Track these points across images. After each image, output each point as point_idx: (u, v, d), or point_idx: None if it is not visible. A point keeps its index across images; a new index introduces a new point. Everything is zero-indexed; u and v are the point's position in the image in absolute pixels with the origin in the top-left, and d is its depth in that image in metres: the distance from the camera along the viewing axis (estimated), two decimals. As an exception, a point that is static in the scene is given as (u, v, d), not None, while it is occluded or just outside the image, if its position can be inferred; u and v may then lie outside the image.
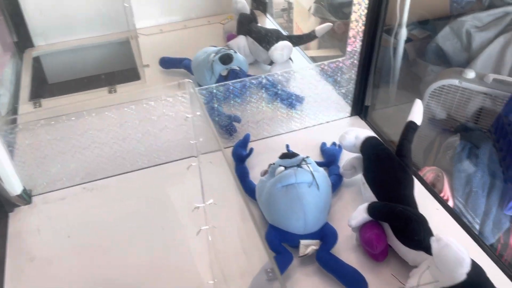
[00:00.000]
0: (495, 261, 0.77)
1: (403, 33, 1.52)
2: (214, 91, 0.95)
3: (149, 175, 0.98)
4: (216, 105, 0.97)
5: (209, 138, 0.89)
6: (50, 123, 0.87)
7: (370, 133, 0.90)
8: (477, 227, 1.18)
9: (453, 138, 1.28)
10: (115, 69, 1.44)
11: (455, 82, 1.35)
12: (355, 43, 0.99)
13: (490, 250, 0.79)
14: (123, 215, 0.89)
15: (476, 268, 0.64)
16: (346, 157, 0.95)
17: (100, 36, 1.48)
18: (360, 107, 1.10)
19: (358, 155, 0.89)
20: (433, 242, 0.64)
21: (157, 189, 0.93)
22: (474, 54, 1.53)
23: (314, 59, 1.46)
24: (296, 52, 1.37)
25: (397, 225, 0.73)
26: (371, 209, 0.76)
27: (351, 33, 0.97)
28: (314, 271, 0.77)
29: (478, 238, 0.82)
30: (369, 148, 0.87)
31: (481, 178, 1.18)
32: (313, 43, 1.88)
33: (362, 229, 0.77)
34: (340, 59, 1.02)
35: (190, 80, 0.62)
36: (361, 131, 0.90)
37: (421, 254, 0.70)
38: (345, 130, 0.91)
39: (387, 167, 0.82)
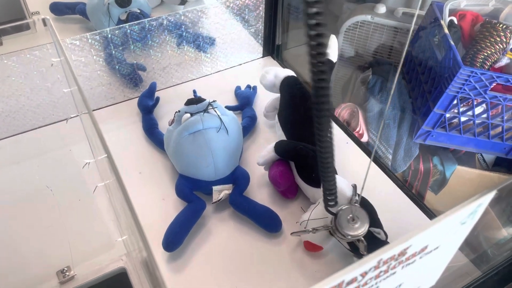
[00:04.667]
0: (400, 187, 0.81)
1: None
2: (110, 35, 0.86)
3: (47, 134, 0.89)
4: (114, 52, 0.89)
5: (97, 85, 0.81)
6: None
7: (290, 72, 0.87)
8: (390, 156, 1.24)
9: (366, 74, 1.31)
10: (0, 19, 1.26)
11: (368, 17, 1.35)
12: (259, -24, 0.93)
13: (395, 177, 0.83)
14: (17, 180, 0.81)
15: (362, 201, 0.65)
16: (261, 100, 0.93)
17: (-22, -18, 1.28)
18: (271, 47, 1.07)
19: (279, 95, 0.87)
20: None
21: (54, 149, 0.85)
22: (386, -11, 1.53)
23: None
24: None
25: (298, 162, 0.73)
26: (277, 147, 0.75)
27: (254, -35, 0.92)
28: (230, 215, 0.76)
29: (384, 167, 0.85)
30: (285, 87, 0.84)
31: (392, 110, 1.22)
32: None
33: (270, 167, 0.76)
34: (246, -5, 0.96)
35: (47, 17, 0.53)
36: (281, 70, 0.87)
37: (319, 191, 0.70)
38: (265, 70, 0.88)
39: (300, 106, 0.81)
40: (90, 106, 0.41)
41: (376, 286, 0.29)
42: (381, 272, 0.27)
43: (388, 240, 0.66)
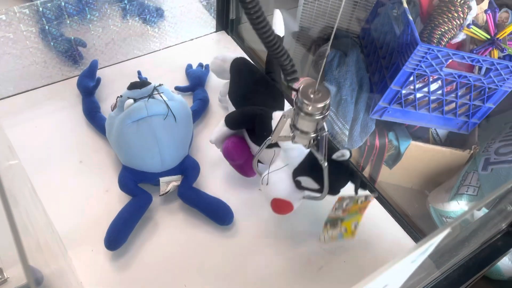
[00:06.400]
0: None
1: None
2: (41, 9, 0.77)
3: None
4: (47, 27, 0.79)
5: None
6: None
7: (240, 54, 0.82)
8: (347, 132, 1.23)
9: (325, 47, 1.27)
10: None
11: (326, -13, 1.30)
12: None
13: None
14: None
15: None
16: (214, 79, 0.87)
17: None
18: (225, 21, 1.00)
19: None
20: None
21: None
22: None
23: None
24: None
25: (247, 125, 0.70)
26: (226, 119, 0.71)
27: None
28: (179, 207, 0.72)
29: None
30: (234, 67, 0.80)
31: (350, 86, 1.20)
32: None
33: (223, 144, 0.72)
34: (195, -37, 0.88)
35: None
36: (229, 54, 0.83)
37: (273, 151, 0.66)
38: (214, 56, 0.83)
39: (248, 80, 0.77)
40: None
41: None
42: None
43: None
